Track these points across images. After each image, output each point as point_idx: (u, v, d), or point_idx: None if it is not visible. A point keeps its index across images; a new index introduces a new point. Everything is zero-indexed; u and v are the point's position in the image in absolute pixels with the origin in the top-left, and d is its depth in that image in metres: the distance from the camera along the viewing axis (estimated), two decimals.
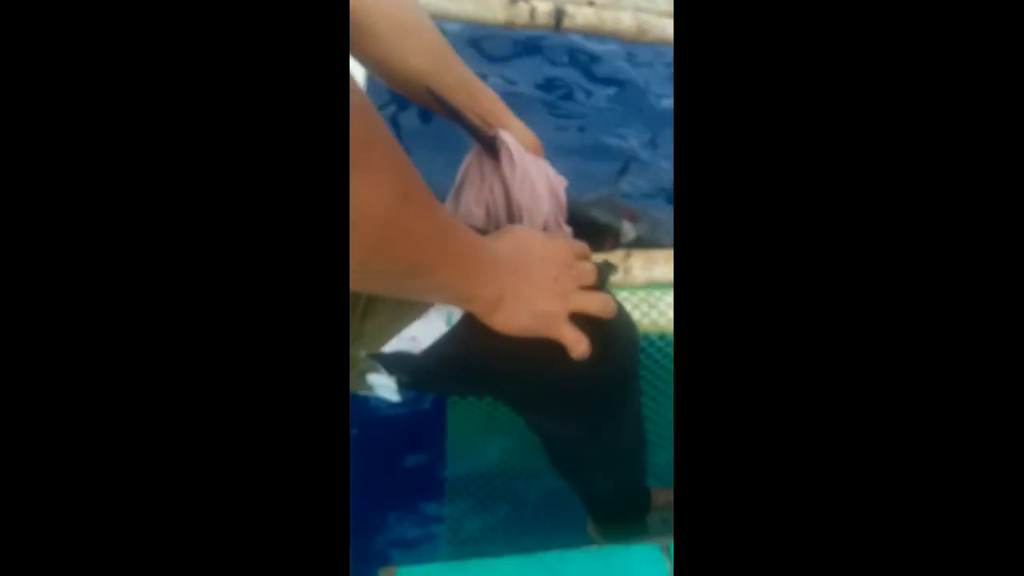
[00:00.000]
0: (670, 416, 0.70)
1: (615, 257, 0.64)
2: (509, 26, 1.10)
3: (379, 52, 0.59)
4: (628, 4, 1.16)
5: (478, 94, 0.62)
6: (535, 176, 0.64)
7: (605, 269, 0.55)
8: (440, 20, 1.15)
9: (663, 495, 0.81)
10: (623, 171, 1.33)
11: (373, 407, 0.94)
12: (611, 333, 0.48)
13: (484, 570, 0.57)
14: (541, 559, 0.57)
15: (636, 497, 0.71)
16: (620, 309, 0.51)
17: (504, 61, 1.46)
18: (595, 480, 0.65)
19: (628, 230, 1.04)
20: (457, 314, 0.51)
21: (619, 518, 0.73)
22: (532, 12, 1.08)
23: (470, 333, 0.48)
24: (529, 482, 0.91)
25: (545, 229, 0.66)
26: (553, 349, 0.47)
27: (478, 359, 0.49)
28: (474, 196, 0.64)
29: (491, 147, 0.64)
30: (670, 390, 0.67)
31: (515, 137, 0.64)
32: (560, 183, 0.70)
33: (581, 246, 0.54)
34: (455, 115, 0.62)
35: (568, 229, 0.72)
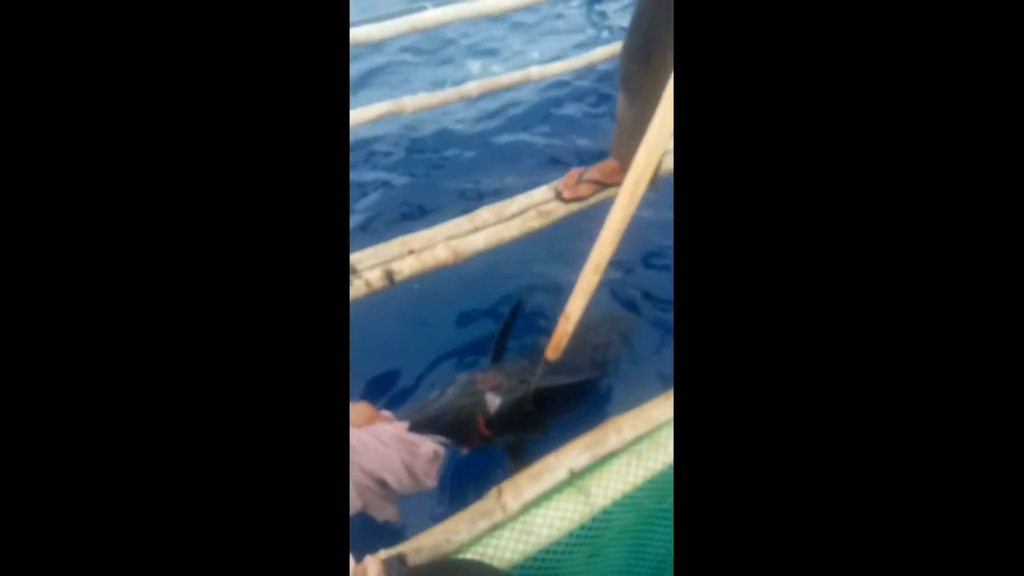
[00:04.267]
0: None
1: (489, 501, 0.82)
2: (356, 299, 1.33)
3: None
4: (439, 238, 1.45)
5: None
6: (375, 443, 0.90)
7: None
8: None
9: None
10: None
11: None
12: None
13: None
14: None
15: None
16: (484, 569, 0.67)
17: None
18: None
19: (492, 400, 1.18)
20: None
21: None
22: (367, 282, 1.32)
23: None
24: None
25: (405, 466, 0.91)
26: None
27: None
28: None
29: None
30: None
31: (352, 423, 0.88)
32: (400, 428, 0.96)
33: None
34: None
35: (425, 448, 0.94)
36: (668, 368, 1.54)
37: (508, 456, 1.32)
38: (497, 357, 1.47)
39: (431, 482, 1.01)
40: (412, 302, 1.62)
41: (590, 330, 1.52)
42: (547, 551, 0.76)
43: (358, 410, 0.95)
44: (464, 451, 1.21)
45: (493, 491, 0.82)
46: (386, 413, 1.05)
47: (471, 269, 1.55)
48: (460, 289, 1.67)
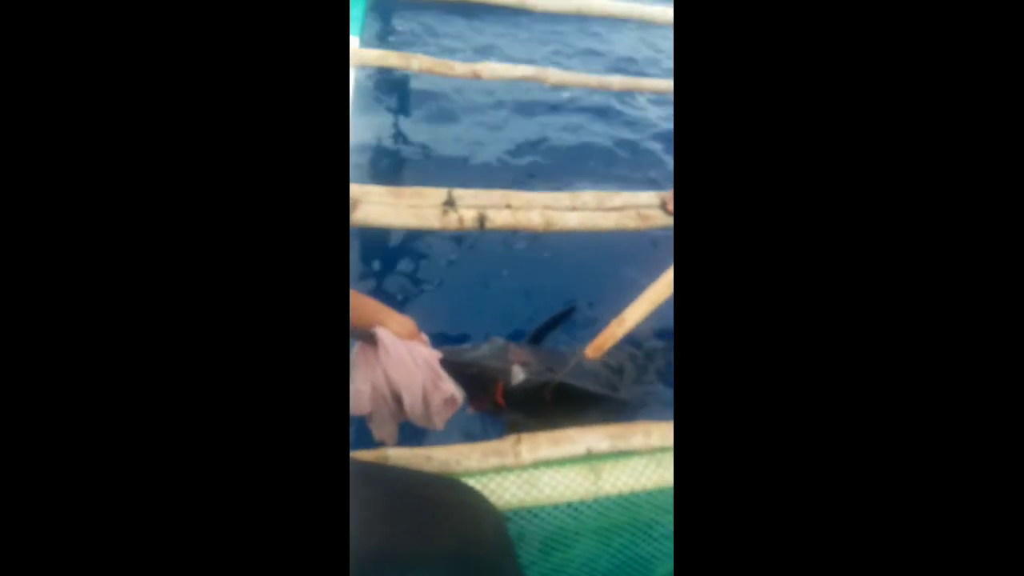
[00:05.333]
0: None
1: (506, 444, 0.84)
2: (443, 230, 1.39)
3: None
4: (538, 204, 1.48)
5: (359, 307, 0.90)
6: (407, 358, 0.91)
7: None
8: (382, 229, 1.44)
9: None
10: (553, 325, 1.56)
11: None
12: (475, 527, 0.67)
13: None
14: None
15: None
16: (482, 502, 0.69)
17: None
18: None
19: (518, 372, 1.20)
20: None
21: None
22: (460, 219, 1.38)
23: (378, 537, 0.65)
24: None
25: (424, 393, 0.92)
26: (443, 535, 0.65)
27: (392, 554, 0.66)
28: (362, 377, 0.91)
29: (371, 340, 0.90)
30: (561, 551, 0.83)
31: (392, 329, 0.92)
32: (434, 356, 0.98)
33: None
34: None
35: (446, 386, 0.97)
36: None
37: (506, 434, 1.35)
38: (535, 341, 1.48)
39: (440, 422, 1.03)
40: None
41: (632, 354, 1.51)
42: (543, 509, 0.78)
43: (403, 323, 0.98)
44: (471, 411, 1.24)
45: (512, 437, 0.85)
46: (425, 336, 1.08)
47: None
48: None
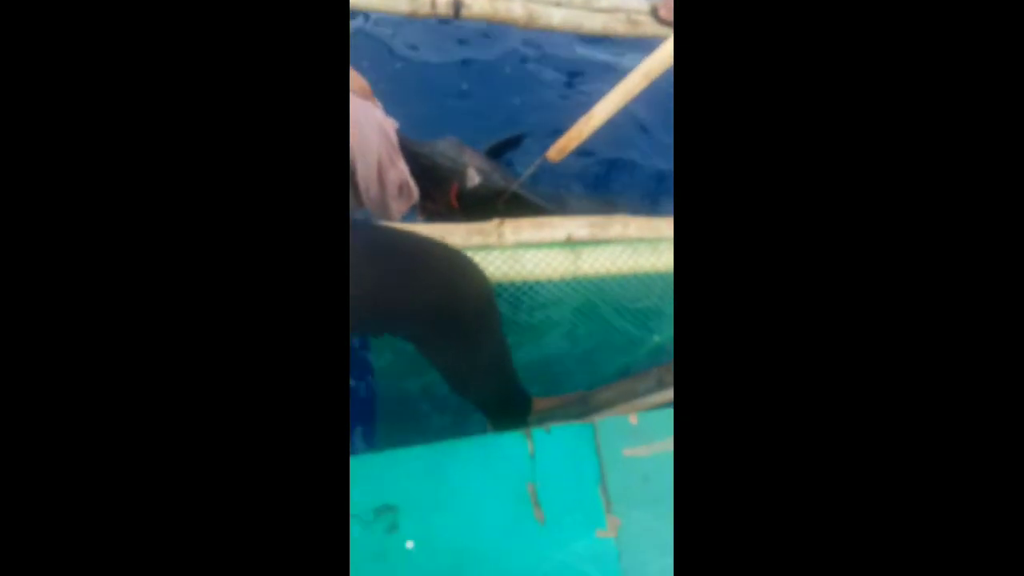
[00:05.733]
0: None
1: (489, 226, 0.84)
2: (412, 15, 1.23)
3: None
4: None
5: None
6: (361, 118, 0.78)
7: None
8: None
9: (543, 403, 1.05)
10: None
11: None
12: (461, 282, 0.68)
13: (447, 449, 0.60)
14: (489, 439, 0.63)
15: (516, 403, 0.94)
16: (470, 263, 0.70)
17: None
18: (475, 390, 0.86)
19: (473, 175, 1.16)
20: None
21: (506, 419, 0.95)
22: (433, 3, 1.22)
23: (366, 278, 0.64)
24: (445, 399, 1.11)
25: (379, 165, 0.81)
26: (428, 290, 0.66)
27: (379, 302, 0.67)
28: None
29: None
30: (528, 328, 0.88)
31: None
32: (390, 124, 0.85)
33: None
34: None
35: (403, 166, 0.86)
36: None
37: None
38: (491, 156, 1.42)
39: (396, 212, 0.92)
40: None
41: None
42: (524, 284, 0.81)
43: (353, 77, 0.83)
44: (421, 216, 1.18)
45: (496, 220, 0.85)
46: (379, 102, 0.91)
47: None
48: None
